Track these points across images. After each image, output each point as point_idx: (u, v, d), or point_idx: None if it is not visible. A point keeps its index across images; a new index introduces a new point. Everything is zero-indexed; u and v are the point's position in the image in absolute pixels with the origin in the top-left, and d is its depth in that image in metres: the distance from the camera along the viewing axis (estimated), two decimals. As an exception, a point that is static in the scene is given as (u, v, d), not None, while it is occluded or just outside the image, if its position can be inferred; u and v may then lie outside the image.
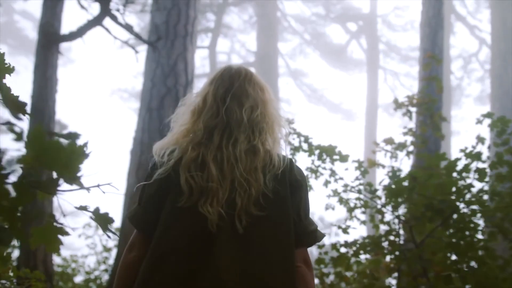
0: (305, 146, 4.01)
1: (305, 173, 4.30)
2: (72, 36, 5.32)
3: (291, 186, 1.56)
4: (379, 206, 3.77)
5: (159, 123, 7.09)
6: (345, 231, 3.70)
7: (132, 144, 7.27)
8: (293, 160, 1.66)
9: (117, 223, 7.79)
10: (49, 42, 5.42)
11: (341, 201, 3.98)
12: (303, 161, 4.17)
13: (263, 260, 1.44)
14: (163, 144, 1.61)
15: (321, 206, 4.28)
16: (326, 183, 4.10)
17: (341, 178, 3.96)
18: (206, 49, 15.05)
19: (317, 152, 3.83)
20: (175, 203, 1.46)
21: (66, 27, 7.52)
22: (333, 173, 3.95)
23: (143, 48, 8.24)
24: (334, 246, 3.55)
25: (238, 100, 1.58)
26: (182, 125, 1.60)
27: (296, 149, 4.02)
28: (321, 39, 21.59)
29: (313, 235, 1.60)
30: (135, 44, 7.60)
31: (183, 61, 7.53)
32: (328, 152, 3.72)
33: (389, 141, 4.59)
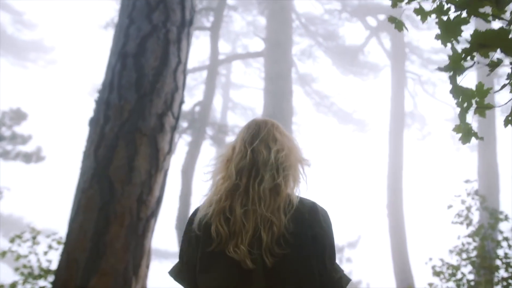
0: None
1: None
2: None
3: (313, 233, 1.59)
4: None
5: (137, 77, 4.56)
6: None
7: (93, 109, 4.69)
8: (318, 205, 1.67)
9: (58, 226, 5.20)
10: None
11: None
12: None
13: None
14: (205, 203, 1.69)
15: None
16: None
17: None
18: (207, 31, 12.63)
19: None
20: (206, 249, 1.61)
21: None
22: None
23: None
24: None
25: (265, 143, 1.70)
26: (218, 174, 1.72)
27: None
28: (334, 40, 19.29)
29: (339, 283, 1.62)
30: None
31: (178, -10, 5.03)
32: None
33: None
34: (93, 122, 4.59)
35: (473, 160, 19.18)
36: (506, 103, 1.56)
